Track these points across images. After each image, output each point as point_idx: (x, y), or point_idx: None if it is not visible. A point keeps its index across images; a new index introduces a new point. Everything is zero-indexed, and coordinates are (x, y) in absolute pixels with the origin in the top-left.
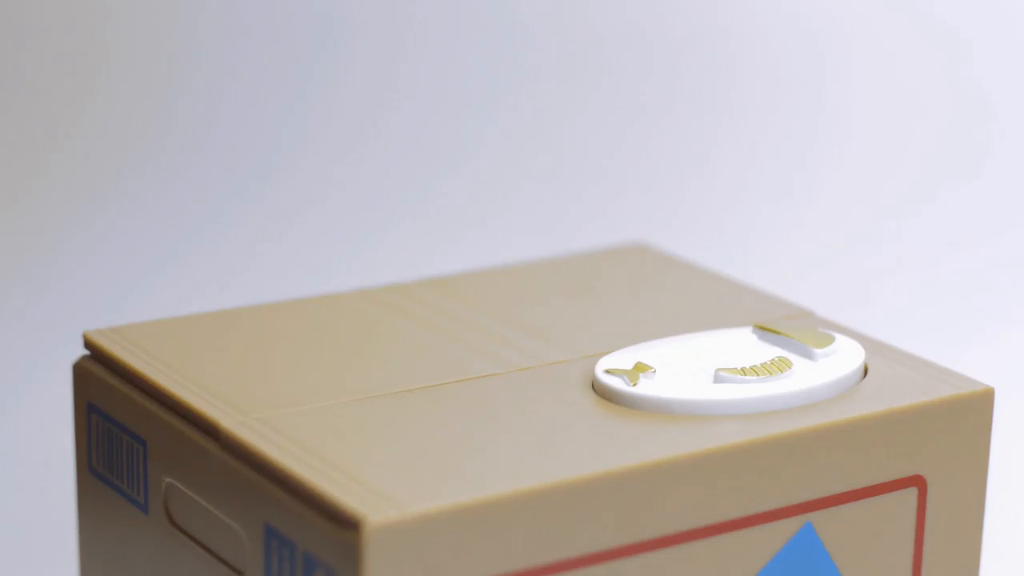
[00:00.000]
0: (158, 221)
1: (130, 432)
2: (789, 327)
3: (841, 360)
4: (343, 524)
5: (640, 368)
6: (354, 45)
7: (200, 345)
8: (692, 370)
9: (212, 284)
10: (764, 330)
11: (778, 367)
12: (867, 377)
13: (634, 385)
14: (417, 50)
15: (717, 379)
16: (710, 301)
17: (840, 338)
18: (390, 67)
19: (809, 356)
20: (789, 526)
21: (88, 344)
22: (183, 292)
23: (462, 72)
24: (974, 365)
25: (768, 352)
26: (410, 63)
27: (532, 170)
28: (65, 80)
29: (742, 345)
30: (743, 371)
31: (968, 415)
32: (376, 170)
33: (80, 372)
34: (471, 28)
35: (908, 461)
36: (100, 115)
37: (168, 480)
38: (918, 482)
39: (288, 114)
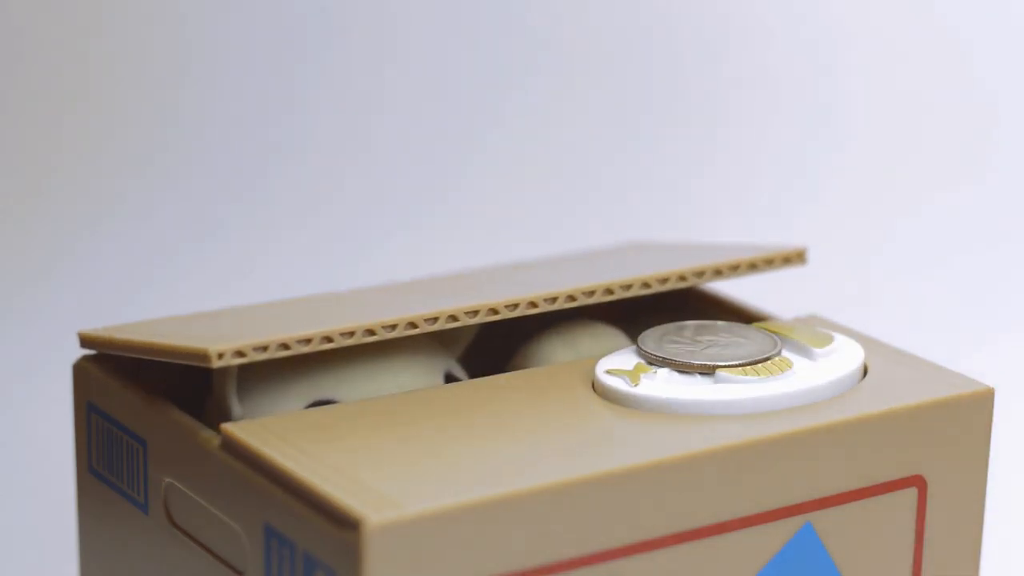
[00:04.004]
0: (158, 221)
1: (130, 432)
2: (789, 327)
3: (841, 360)
4: (343, 524)
5: (641, 368)
6: (354, 45)
7: (198, 344)
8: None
9: (212, 284)
10: (764, 330)
11: (778, 367)
12: (867, 377)
13: (635, 385)
14: (417, 50)
15: (717, 379)
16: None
17: (840, 338)
18: (389, 67)
19: (809, 356)
20: (789, 526)
21: (86, 344)
22: (183, 292)
23: (462, 72)
24: (974, 365)
25: (768, 352)
26: (410, 63)
27: (532, 170)
28: (66, 80)
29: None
30: (743, 371)
31: (968, 415)
32: (376, 170)
33: (80, 372)
34: (471, 28)
35: (908, 461)
36: (100, 115)
37: (168, 480)
38: (918, 482)
39: (289, 114)
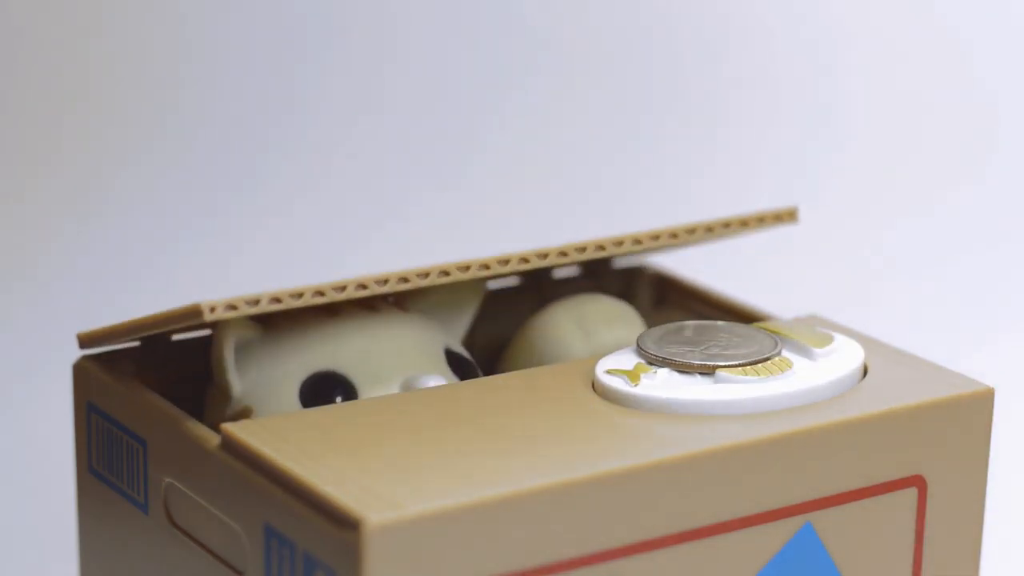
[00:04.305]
0: (158, 221)
1: (130, 432)
2: (789, 327)
3: (841, 360)
4: (343, 524)
5: (641, 368)
6: (354, 45)
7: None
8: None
9: (212, 285)
10: (764, 330)
11: (778, 367)
12: (867, 377)
13: (635, 385)
14: (417, 50)
15: (717, 379)
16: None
17: (840, 338)
18: (389, 67)
19: (809, 356)
20: (789, 526)
21: (84, 343)
22: (183, 292)
23: (462, 72)
24: (974, 365)
25: (768, 352)
26: (410, 63)
27: (532, 170)
28: (66, 80)
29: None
30: (743, 371)
31: (968, 415)
32: (376, 170)
33: (80, 372)
34: (471, 28)
35: (908, 461)
36: (100, 115)
37: (168, 480)
38: (918, 482)
39: (289, 114)
